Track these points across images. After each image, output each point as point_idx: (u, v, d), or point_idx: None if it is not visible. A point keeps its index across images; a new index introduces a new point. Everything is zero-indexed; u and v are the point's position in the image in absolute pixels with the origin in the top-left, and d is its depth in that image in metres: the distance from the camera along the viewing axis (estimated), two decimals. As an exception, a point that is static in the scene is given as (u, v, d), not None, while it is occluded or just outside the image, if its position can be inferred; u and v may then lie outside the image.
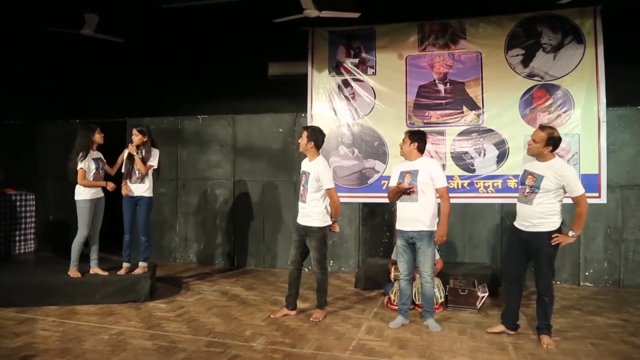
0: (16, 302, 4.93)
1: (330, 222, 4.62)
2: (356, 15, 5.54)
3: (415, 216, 4.34)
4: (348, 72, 6.40)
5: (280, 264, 7.04)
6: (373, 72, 6.33)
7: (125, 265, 5.44)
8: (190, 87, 7.51)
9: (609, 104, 5.65)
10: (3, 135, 7.52)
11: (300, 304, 4.91)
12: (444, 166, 5.99)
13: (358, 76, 6.36)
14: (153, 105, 7.65)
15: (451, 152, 6.01)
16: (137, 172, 5.36)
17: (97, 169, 5.24)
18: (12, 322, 4.50)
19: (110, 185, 5.27)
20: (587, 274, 6.11)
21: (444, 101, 6.06)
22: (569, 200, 4.00)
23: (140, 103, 7.68)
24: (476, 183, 5.91)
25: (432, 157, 6.01)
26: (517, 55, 5.87)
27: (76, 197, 5.21)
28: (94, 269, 5.36)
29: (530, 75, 5.82)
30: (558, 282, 6.11)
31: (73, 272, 5.25)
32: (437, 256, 5.51)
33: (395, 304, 4.85)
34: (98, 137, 5.27)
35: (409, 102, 6.16)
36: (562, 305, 5.18)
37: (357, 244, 6.85)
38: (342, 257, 6.90)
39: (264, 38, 6.91)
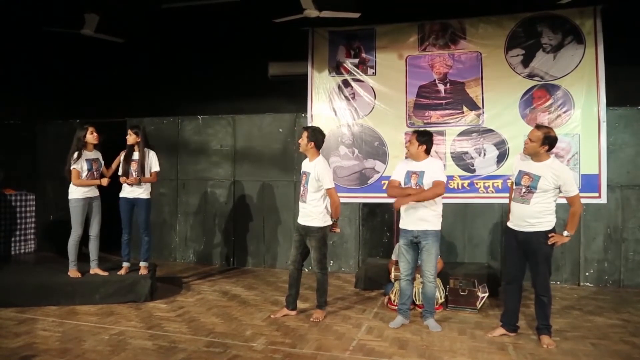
0: (16, 302, 4.93)
1: (330, 222, 4.63)
2: (356, 15, 5.54)
3: (420, 216, 4.34)
4: (348, 72, 6.40)
5: (280, 264, 7.04)
6: (373, 72, 6.33)
7: (125, 265, 5.45)
8: (190, 87, 7.51)
9: (609, 104, 5.65)
10: (3, 135, 7.52)
11: (300, 304, 4.91)
12: (444, 166, 5.98)
13: (358, 76, 6.36)
14: (153, 105, 7.65)
15: (451, 152, 6.01)
16: (134, 173, 5.36)
17: (89, 170, 5.22)
18: (13, 322, 4.50)
19: (105, 181, 5.24)
20: (587, 274, 6.11)
21: (444, 101, 6.06)
22: (564, 201, 4.01)
23: (140, 103, 7.68)
24: (476, 183, 5.91)
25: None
26: (517, 55, 5.87)
27: (69, 197, 5.22)
28: (94, 269, 5.35)
29: (531, 76, 5.81)
30: (558, 282, 6.11)
31: (73, 272, 5.25)
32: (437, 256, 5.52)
33: (395, 304, 4.85)
34: (90, 137, 5.25)
35: (409, 102, 6.16)
36: (562, 306, 5.18)
37: (357, 244, 6.85)
38: (342, 257, 6.90)
39: (264, 38, 6.91)
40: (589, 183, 5.56)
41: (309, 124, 6.19)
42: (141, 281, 5.28)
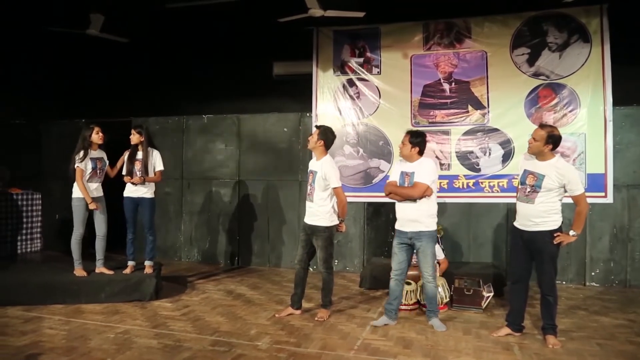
0: (22, 301, 4.96)
1: (337, 222, 4.63)
2: (361, 14, 5.53)
3: (414, 217, 4.33)
4: (353, 71, 6.40)
5: (284, 263, 7.05)
6: (378, 72, 6.32)
7: (130, 263, 5.47)
8: (195, 86, 7.52)
9: (615, 103, 5.62)
10: (9, 135, 7.56)
11: (304, 304, 4.91)
12: (449, 165, 5.98)
13: (363, 75, 6.36)
14: (158, 104, 7.67)
15: (456, 152, 6.00)
16: (138, 172, 5.38)
17: (93, 168, 5.25)
18: (19, 320, 4.52)
19: (92, 206, 5.21)
20: (593, 273, 6.08)
21: (449, 100, 6.05)
22: (570, 200, 3.99)
23: (145, 103, 7.70)
24: (481, 182, 5.89)
25: (437, 157, 6.02)
26: (523, 54, 5.85)
27: (72, 196, 5.27)
28: (100, 268, 5.37)
29: (536, 74, 5.79)
30: (563, 282, 6.09)
31: (78, 271, 5.27)
32: (442, 256, 5.51)
33: (405, 304, 4.85)
34: (96, 137, 5.28)
35: (413, 101, 6.15)
36: (568, 305, 5.16)
37: (362, 244, 6.85)
38: (347, 257, 6.89)
39: (268, 38, 6.91)
40: (595, 182, 5.53)
41: (314, 124, 6.20)
42: (146, 280, 5.29)
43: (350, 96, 6.40)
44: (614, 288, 5.95)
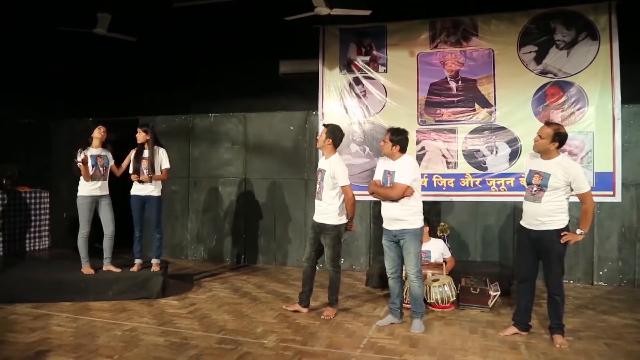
0: (31, 298, 5.00)
1: (345, 220, 4.64)
2: (367, 12, 5.51)
3: (397, 216, 4.31)
4: (359, 69, 6.38)
5: (291, 262, 7.06)
6: (384, 70, 6.30)
7: (138, 261, 5.50)
8: (201, 85, 7.54)
9: (624, 101, 5.56)
10: (18, 133, 7.62)
11: (311, 302, 4.91)
12: (455, 164, 5.95)
13: (369, 74, 6.34)
14: (165, 103, 7.69)
15: (463, 150, 5.97)
16: (144, 171, 5.40)
17: (93, 165, 5.26)
18: (28, 317, 4.56)
19: (82, 158, 5.15)
20: (601, 273, 6.04)
21: (455, 99, 6.01)
22: (577, 199, 3.96)
23: (152, 101, 7.73)
24: (488, 181, 5.86)
25: (443, 155, 6.00)
26: (530, 52, 5.80)
27: (77, 194, 5.30)
28: (107, 266, 5.41)
29: (544, 72, 5.74)
30: (571, 281, 6.05)
31: (86, 269, 5.30)
32: (449, 254, 5.51)
33: (406, 302, 4.83)
34: (97, 133, 5.32)
35: (420, 99, 6.12)
36: (576, 305, 5.13)
37: (368, 242, 6.84)
38: (353, 255, 6.89)
39: (275, 36, 6.90)
40: (603, 181, 5.48)
41: (320, 122, 6.20)
42: (153, 278, 5.32)
43: (357, 94, 6.38)
44: (622, 287, 5.91)
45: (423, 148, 6.08)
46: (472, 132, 5.95)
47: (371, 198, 6.41)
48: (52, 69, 7.76)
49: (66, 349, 3.77)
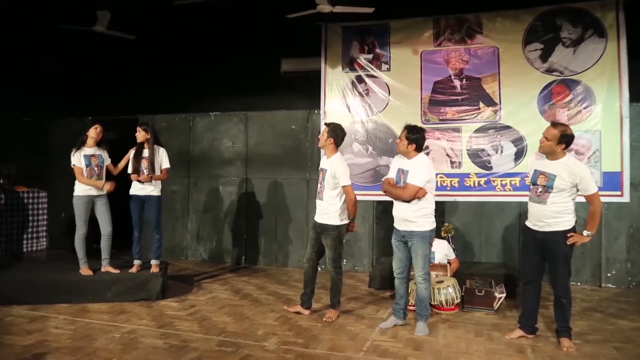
0: (28, 300, 4.93)
1: (347, 221, 4.58)
2: (370, 10, 5.44)
3: (406, 216, 4.24)
4: (362, 68, 6.30)
5: (292, 263, 6.99)
6: (387, 68, 6.21)
7: (137, 262, 5.44)
8: (202, 83, 7.47)
9: (632, 99, 5.46)
10: (15, 132, 7.55)
11: (313, 304, 4.84)
12: (460, 163, 5.87)
13: (372, 72, 6.26)
14: (165, 102, 7.63)
15: (467, 150, 5.88)
16: (144, 170, 5.32)
17: (87, 165, 5.17)
18: (25, 319, 4.49)
19: (107, 187, 5.19)
20: (608, 275, 5.95)
21: (460, 97, 5.93)
22: (583, 199, 3.89)
23: (152, 100, 7.66)
24: (493, 181, 5.78)
25: (447, 154, 5.92)
26: (536, 50, 5.71)
27: (73, 194, 5.23)
28: (106, 267, 5.34)
29: (549, 71, 5.66)
30: (578, 284, 5.97)
31: (84, 270, 5.23)
32: (453, 255, 5.43)
33: (410, 304, 4.75)
34: (92, 132, 5.23)
35: (424, 98, 6.04)
36: (583, 307, 5.04)
37: (371, 243, 6.77)
38: (355, 256, 6.82)
39: (276, 34, 6.84)
40: (610, 181, 5.39)
41: (323, 121, 6.12)
42: (152, 279, 5.25)
43: (359, 93, 6.30)
44: (630, 290, 5.82)
45: (427, 147, 5.94)
46: (477, 131, 5.87)
47: (374, 198, 6.41)
48: (51, 68, 7.69)
49: (64, 352, 3.71)
